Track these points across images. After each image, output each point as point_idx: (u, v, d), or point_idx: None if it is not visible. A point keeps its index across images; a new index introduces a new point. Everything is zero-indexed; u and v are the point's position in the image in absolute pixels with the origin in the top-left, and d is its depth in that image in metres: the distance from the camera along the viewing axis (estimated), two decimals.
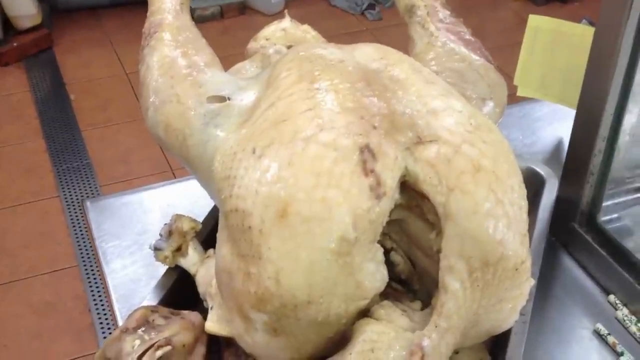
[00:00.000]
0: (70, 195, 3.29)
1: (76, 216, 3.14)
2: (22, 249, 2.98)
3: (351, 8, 4.79)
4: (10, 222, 3.13)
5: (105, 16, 4.71)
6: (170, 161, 3.30)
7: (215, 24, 4.69)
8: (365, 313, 0.93)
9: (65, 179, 3.39)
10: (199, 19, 4.67)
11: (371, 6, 4.73)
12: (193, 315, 1.04)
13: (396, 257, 1.03)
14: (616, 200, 1.32)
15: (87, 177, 3.40)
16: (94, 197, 3.22)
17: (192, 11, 4.60)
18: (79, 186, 3.35)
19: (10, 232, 3.07)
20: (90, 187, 3.34)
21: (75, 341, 2.61)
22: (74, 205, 3.21)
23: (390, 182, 0.90)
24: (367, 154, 0.90)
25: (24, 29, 4.27)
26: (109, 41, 4.47)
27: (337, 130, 0.91)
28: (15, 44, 4.22)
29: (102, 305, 2.72)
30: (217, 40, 4.37)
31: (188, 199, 1.43)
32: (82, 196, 3.29)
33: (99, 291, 2.78)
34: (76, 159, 3.52)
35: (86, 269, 2.88)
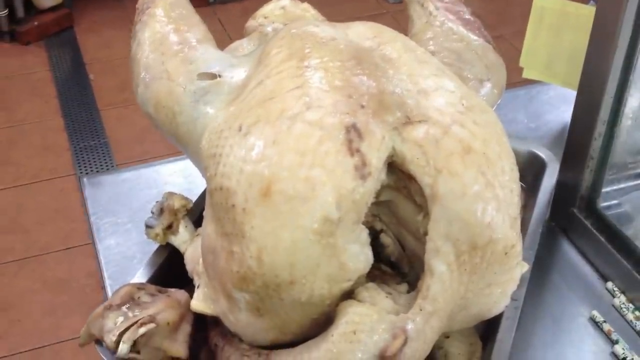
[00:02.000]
0: (87, 173, 3.30)
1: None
2: (37, 226, 2.99)
3: None
4: (27, 198, 3.15)
5: None
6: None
7: (236, 5, 4.68)
8: (349, 294, 0.92)
9: (82, 157, 3.41)
10: (220, 0, 4.66)
11: None
12: (179, 294, 1.03)
13: (386, 239, 1.02)
14: (617, 186, 1.30)
15: (104, 156, 3.42)
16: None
17: None
18: (95, 165, 3.37)
19: (26, 209, 3.09)
20: (106, 166, 3.36)
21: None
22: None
23: (376, 162, 0.89)
24: (353, 133, 0.89)
25: (45, 8, 4.28)
26: (130, 21, 4.45)
27: (323, 109, 0.90)
28: (36, 23, 4.23)
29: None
30: (238, 22, 4.35)
31: (185, 177, 1.43)
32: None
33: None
34: (93, 137, 3.54)
35: None
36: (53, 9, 4.30)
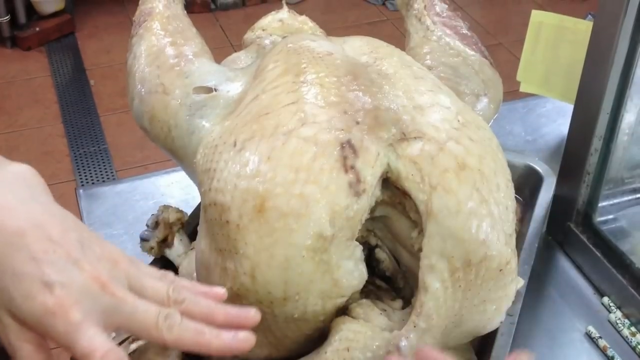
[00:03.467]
0: (87, 179, 3.31)
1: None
2: None
3: None
4: None
5: (128, 2, 4.71)
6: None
7: (238, 11, 4.69)
8: (343, 310, 0.92)
9: (82, 163, 3.40)
10: (222, 7, 4.68)
11: None
12: None
13: (381, 254, 1.02)
14: (613, 201, 1.30)
15: (104, 162, 3.42)
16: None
17: None
18: (95, 171, 3.37)
19: None
20: (106, 172, 3.35)
21: None
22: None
23: (370, 179, 0.89)
24: (348, 149, 0.89)
25: (46, 14, 4.29)
26: (132, 27, 4.47)
27: (318, 125, 0.90)
28: (37, 29, 4.24)
29: None
30: (239, 28, 4.39)
31: (182, 189, 1.43)
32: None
33: None
34: (93, 143, 3.53)
35: None
36: (54, 14, 4.31)
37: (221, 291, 0.81)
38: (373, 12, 4.65)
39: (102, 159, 3.44)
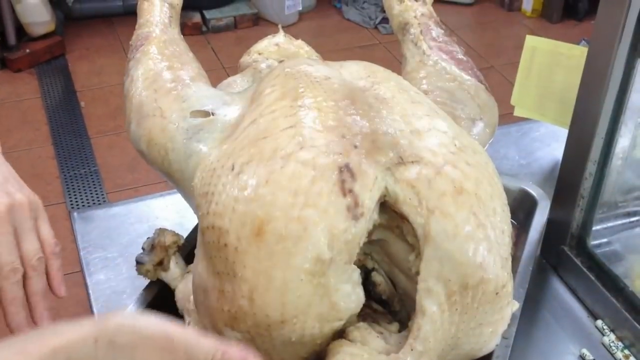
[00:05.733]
0: (77, 201, 3.30)
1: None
2: None
3: (364, 22, 4.79)
4: None
5: (119, 24, 4.73)
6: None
7: (230, 34, 4.71)
8: (340, 334, 0.93)
9: (72, 185, 3.40)
10: (213, 29, 4.70)
11: (384, 20, 4.71)
12: None
13: (377, 277, 1.02)
14: (607, 225, 1.31)
15: (94, 184, 3.41)
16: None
17: (207, 22, 4.65)
18: (85, 193, 3.36)
19: None
20: (97, 194, 3.35)
21: None
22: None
23: (369, 202, 0.89)
24: (346, 173, 0.89)
25: (37, 36, 4.29)
26: (122, 48, 4.49)
27: (317, 148, 0.91)
28: (27, 51, 4.24)
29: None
30: (231, 51, 4.42)
31: (177, 212, 1.43)
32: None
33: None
34: (84, 165, 3.53)
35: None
36: (45, 36, 4.31)
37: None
38: (365, 36, 4.68)
39: (93, 181, 3.43)
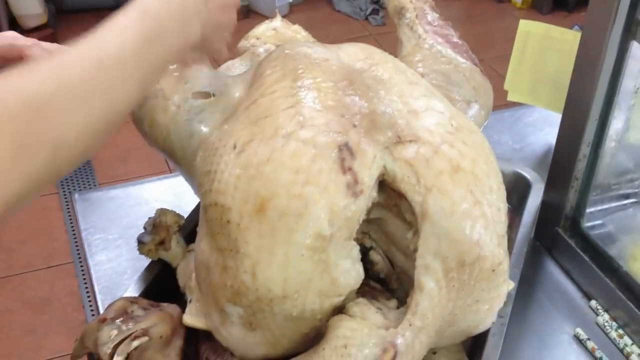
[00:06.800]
0: (69, 192, 3.30)
1: (73, 214, 3.16)
2: (18, 244, 2.99)
3: (355, 13, 4.79)
4: (8, 217, 3.14)
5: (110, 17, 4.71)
6: (168, 161, 3.31)
7: None
8: (340, 310, 0.94)
9: (64, 176, 3.40)
10: None
11: (375, 11, 4.73)
12: (172, 308, 1.05)
13: (375, 256, 1.03)
14: (601, 207, 1.33)
15: (87, 175, 3.41)
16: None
17: None
18: (77, 184, 3.36)
19: (8, 227, 3.08)
20: (89, 185, 3.35)
21: (68, 337, 2.61)
22: (71, 203, 3.22)
23: (368, 180, 0.91)
24: (345, 152, 0.91)
25: (29, 28, 4.27)
26: None
27: (316, 127, 0.92)
28: None
29: (96, 303, 2.73)
30: None
31: (175, 195, 1.44)
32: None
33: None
34: None
35: (82, 266, 2.90)
36: (37, 29, 4.30)
37: None
38: (356, 27, 4.68)
39: (85, 173, 3.43)
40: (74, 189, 3.32)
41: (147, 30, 0.82)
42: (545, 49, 1.51)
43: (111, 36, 0.81)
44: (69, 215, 3.15)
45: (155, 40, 0.83)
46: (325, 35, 4.69)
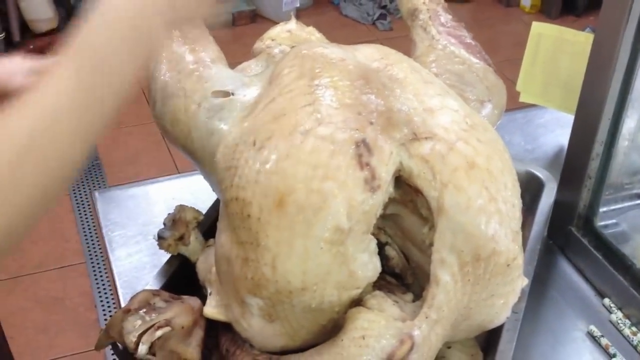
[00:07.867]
0: (80, 194, 3.34)
1: (85, 214, 3.19)
2: (31, 245, 3.01)
3: (362, 18, 4.80)
4: None
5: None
6: (177, 163, 3.34)
7: (227, 30, 4.72)
8: (358, 302, 0.96)
9: (75, 178, 3.42)
10: (210, 26, 4.68)
11: (382, 16, 4.74)
12: (192, 300, 1.06)
13: (391, 251, 1.05)
14: (614, 206, 1.34)
15: (97, 177, 3.44)
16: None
17: None
18: (88, 185, 3.39)
19: None
20: (99, 187, 3.38)
21: (80, 336, 2.64)
22: (83, 204, 3.25)
23: (385, 175, 0.93)
24: (363, 148, 0.93)
25: (40, 32, 4.31)
26: None
27: (334, 124, 0.94)
28: (31, 47, 4.26)
29: (108, 302, 2.76)
30: (228, 47, 4.37)
31: (191, 193, 1.46)
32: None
33: (105, 288, 2.82)
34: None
35: (93, 266, 2.92)
36: (48, 33, 4.33)
37: None
38: (363, 32, 4.70)
39: (95, 175, 3.46)
40: (85, 192, 3.34)
41: (86, 74, 0.74)
42: (557, 50, 1.52)
43: (45, 93, 0.73)
44: (80, 217, 3.17)
45: (99, 79, 0.75)
46: (332, 40, 4.63)
